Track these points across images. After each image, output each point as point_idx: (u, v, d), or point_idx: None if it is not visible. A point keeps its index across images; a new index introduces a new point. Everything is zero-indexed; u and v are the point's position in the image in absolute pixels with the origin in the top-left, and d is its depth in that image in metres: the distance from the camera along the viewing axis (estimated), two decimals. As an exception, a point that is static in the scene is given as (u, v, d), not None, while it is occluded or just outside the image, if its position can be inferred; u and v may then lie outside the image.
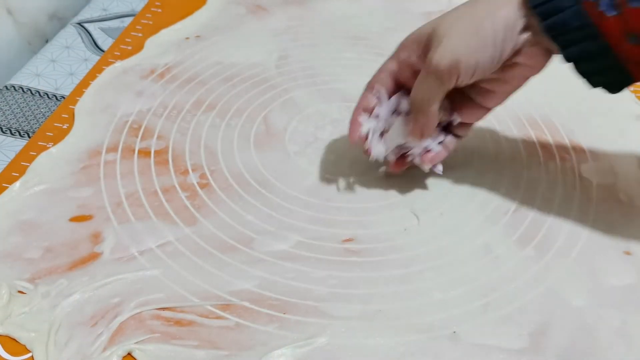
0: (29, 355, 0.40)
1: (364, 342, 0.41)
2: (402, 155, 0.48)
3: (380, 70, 0.46)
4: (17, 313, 0.41)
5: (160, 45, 0.64)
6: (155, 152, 0.53)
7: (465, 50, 0.40)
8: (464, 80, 0.41)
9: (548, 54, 0.41)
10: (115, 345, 0.40)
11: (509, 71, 0.42)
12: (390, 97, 0.47)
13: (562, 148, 0.54)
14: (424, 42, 0.42)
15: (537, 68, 0.42)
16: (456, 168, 0.52)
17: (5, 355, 0.40)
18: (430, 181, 0.51)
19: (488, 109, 0.45)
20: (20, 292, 0.43)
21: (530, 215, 0.48)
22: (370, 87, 0.47)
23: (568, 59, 0.39)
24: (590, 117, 0.57)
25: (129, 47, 0.63)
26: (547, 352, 0.40)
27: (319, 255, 0.46)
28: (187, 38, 0.65)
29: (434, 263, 0.45)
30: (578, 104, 0.58)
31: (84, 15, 0.68)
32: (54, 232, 0.46)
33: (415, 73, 0.44)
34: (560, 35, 0.38)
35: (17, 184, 0.49)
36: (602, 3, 0.35)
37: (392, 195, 0.50)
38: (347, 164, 0.52)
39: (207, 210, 0.48)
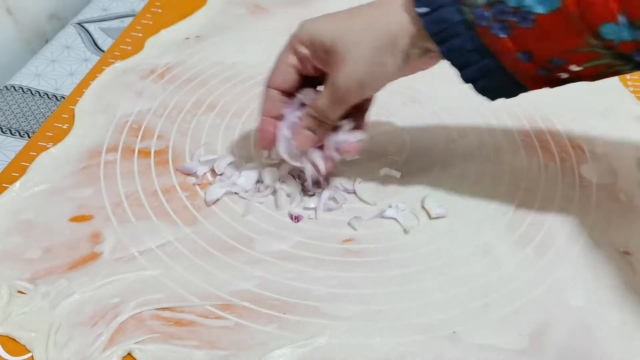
0: (29, 355, 0.40)
1: (364, 342, 0.41)
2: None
3: (281, 62, 0.45)
4: (17, 313, 0.41)
5: (160, 45, 0.64)
6: (155, 152, 0.53)
7: (369, 80, 0.42)
8: (365, 97, 0.44)
9: (436, 59, 0.42)
10: (115, 345, 0.40)
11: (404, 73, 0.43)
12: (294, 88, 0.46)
13: (561, 148, 0.54)
14: (320, 50, 0.42)
15: (426, 68, 0.43)
16: (456, 168, 0.52)
17: (5, 355, 0.40)
18: (431, 181, 0.51)
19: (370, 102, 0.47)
20: (20, 292, 0.43)
21: (530, 215, 0.48)
22: (273, 85, 0.45)
23: (466, 79, 0.41)
24: (590, 118, 0.57)
25: (129, 47, 0.63)
26: (547, 352, 0.40)
27: (319, 255, 0.46)
28: (187, 38, 0.65)
29: (434, 263, 0.45)
30: (578, 104, 0.58)
31: (84, 15, 0.69)
32: (54, 232, 0.46)
33: (317, 72, 0.44)
34: (456, 58, 0.40)
35: (17, 184, 0.49)
36: (494, 27, 0.37)
37: (392, 195, 0.50)
38: (347, 164, 0.52)
39: (207, 211, 0.48)
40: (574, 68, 0.38)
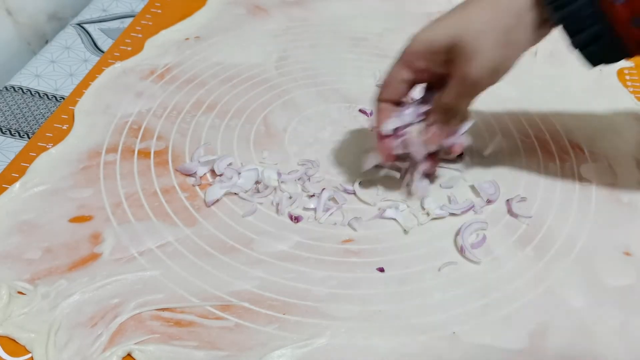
0: (29, 356, 0.40)
1: (364, 342, 0.41)
2: (430, 155, 0.48)
3: (394, 78, 0.45)
4: (17, 314, 0.41)
5: (160, 46, 0.64)
6: (155, 152, 0.53)
7: (501, 61, 0.42)
8: (496, 82, 0.43)
9: (550, 31, 0.43)
10: (115, 346, 0.40)
11: None
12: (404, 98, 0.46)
13: (561, 148, 0.54)
14: (443, 52, 0.42)
15: (542, 39, 0.44)
16: (455, 171, 0.52)
17: (5, 356, 0.40)
18: (430, 181, 0.51)
19: None
20: (20, 292, 0.43)
21: (530, 215, 0.48)
22: (385, 98, 0.46)
23: (576, 45, 0.42)
24: (590, 118, 0.57)
25: (129, 48, 0.63)
26: (547, 352, 0.40)
27: (318, 255, 0.46)
28: (187, 39, 0.65)
29: (434, 263, 0.45)
30: (577, 104, 0.58)
31: (83, 16, 0.69)
32: (53, 233, 0.46)
33: (434, 77, 0.44)
34: (572, 24, 0.41)
35: (17, 184, 0.49)
36: None
37: (392, 195, 0.50)
38: (347, 164, 0.52)
39: (207, 211, 0.48)
40: None
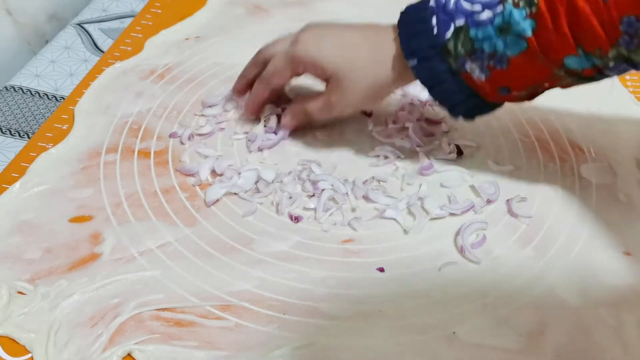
0: (29, 356, 0.40)
1: (364, 342, 0.41)
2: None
3: (277, 73, 0.51)
4: (17, 314, 0.41)
5: (160, 46, 0.64)
6: (155, 152, 0.53)
7: (365, 103, 0.53)
8: None
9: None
10: (115, 346, 0.40)
11: None
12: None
13: (561, 148, 0.54)
14: (319, 71, 0.49)
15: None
16: (455, 170, 0.52)
17: (5, 356, 0.40)
18: (430, 181, 0.51)
19: None
20: (20, 292, 0.43)
21: (530, 215, 0.48)
22: (265, 83, 0.52)
23: (455, 115, 0.47)
24: (590, 118, 0.57)
25: (129, 48, 0.63)
26: (546, 352, 0.40)
27: (318, 255, 0.46)
28: (187, 39, 0.65)
29: (434, 263, 0.45)
30: (577, 104, 0.58)
31: (83, 16, 0.69)
32: (53, 233, 0.46)
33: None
34: (446, 100, 0.46)
35: (17, 184, 0.49)
36: (475, 71, 0.43)
37: (392, 195, 0.50)
38: (347, 164, 0.52)
39: (207, 211, 0.48)
40: (547, 86, 0.44)
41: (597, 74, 0.42)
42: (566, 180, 0.51)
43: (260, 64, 0.53)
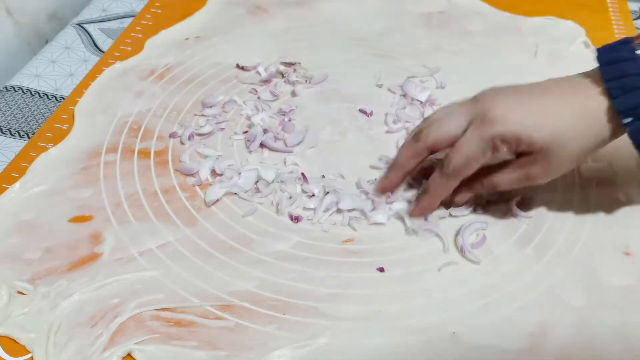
0: (29, 356, 0.40)
1: (364, 342, 0.41)
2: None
3: (473, 159, 0.43)
4: (17, 314, 0.41)
5: (160, 46, 0.64)
6: (155, 152, 0.53)
7: (558, 174, 0.44)
8: None
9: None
10: (115, 346, 0.40)
11: None
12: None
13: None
14: (527, 146, 0.42)
15: None
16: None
17: (5, 356, 0.40)
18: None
19: None
20: (20, 292, 0.43)
21: (530, 216, 0.48)
22: (456, 174, 0.45)
23: None
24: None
25: (129, 48, 0.63)
26: (547, 352, 0.40)
27: (318, 255, 0.46)
28: (187, 39, 0.65)
29: (434, 263, 0.45)
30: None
31: (83, 16, 0.69)
32: (53, 233, 0.46)
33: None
34: None
35: (17, 184, 0.49)
36: None
37: (392, 195, 0.50)
38: (347, 164, 0.52)
39: (207, 211, 0.48)
40: None
41: None
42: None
43: (423, 152, 0.46)
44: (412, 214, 0.47)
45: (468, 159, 0.43)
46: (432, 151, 0.45)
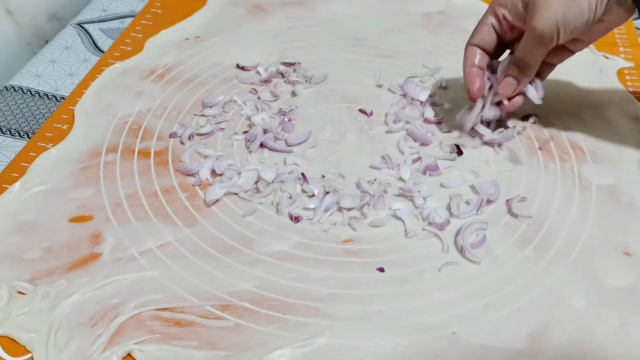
0: (29, 355, 0.40)
1: (364, 342, 0.41)
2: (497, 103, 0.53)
3: (482, 24, 0.50)
4: (17, 314, 0.41)
5: (160, 46, 0.64)
6: (155, 152, 0.53)
7: (565, 17, 0.45)
8: (563, 41, 0.47)
9: (630, 12, 0.46)
10: (115, 346, 0.40)
11: (596, 26, 0.47)
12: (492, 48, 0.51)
13: (561, 148, 0.54)
14: (521, 5, 0.47)
15: (620, 23, 0.47)
16: (455, 168, 0.52)
17: (5, 356, 0.40)
18: (430, 181, 0.51)
19: (573, 52, 0.51)
20: (20, 292, 0.43)
21: (530, 216, 0.48)
22: (474, 42, 0.51)
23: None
24: (590, 118, 0.57)
25: (129, 48, 0.63)
26: (547, 352, 0.40)
27: (318, 255, 0.46)
28: (187, 39, 0.65)
29: (434, 263, 0.45)
30: (577, 104, 0.58)
31: (83, 16, 0.69)
32: (53, 233, 0.46)
33: (512, 28, 0.50)
34: None
35: (17, 184, 0.49)
36: None
37: (393, 197, 0.50)
38: (347, 164, 0.52)
39: (207, 211, 0.48)
40: None
41: None
42: (566, 180, 0.51)
43: (473, 50, 0.52)
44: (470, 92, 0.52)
45: (478, 25, 0.51)
46: (481, 47, 0.51)
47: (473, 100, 0.52)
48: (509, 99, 0.52)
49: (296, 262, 0.45)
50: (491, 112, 0.52)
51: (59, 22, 0.72)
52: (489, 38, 0.51)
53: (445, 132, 0.55)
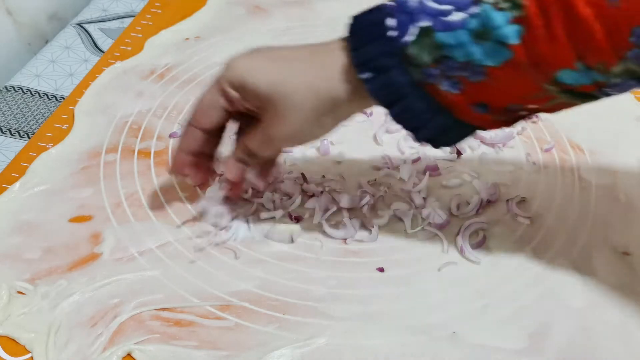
0: (29, 355, 0.40)
1: (364, 342, 0.41)
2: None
3: (207, 105, 0.41)
4: (17, 314, 0.41)
5: (160, 46, 0.64)
6: (155, 152, 0.53)
7: (307, 136, 0.41)
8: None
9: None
10: (114, 346, 0.40)
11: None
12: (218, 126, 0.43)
13: (561, 148, 0.54)
14: (252, 96, 0.39)
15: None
16: (455, 170, 0.52)
17: (5, 355, 0.40)
18: (430, 182, 0.51)
19: None
20: (20, 292, 0.43)
21: (530, 216, 0.48)
22: (197, 125, 0.42)
23: (421, 139, 0.39)
24: (590, 118, 0.57)
25: (129, 48, 0.63)
26: (547, 352, 0.40)
27: (318, 255, 0.46)
28: (187, 39, 0.65)
29: (434, 263, 0.45)
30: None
31: (83, 15, 0.69)
32: (53, 233, 0.46)
33: (247, 110, 0.41)
34: (408, 120, 0.38)
35: (17, 184, 0.49)
36: (444, 84, 0.35)
37: (392, 198, 0.50)
38: (346, 164, 0.52)
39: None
40: (532, 106, 0.36)
41: (597, 91, 0.35)
42: (566, 180, 0.51)
43: (195, 133, 0.43)
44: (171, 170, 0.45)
45: (202, 105, 0.41)
46: (199, 127, 0.42)
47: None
48: (234, 183, 0.45)
49: (296, 262, 0.45)
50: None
51: (59, 22, 0.72)
52: (218, 120, 0.42)
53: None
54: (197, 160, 0.44)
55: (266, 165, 0.45)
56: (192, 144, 0.43)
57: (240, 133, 0.44)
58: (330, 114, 0.39)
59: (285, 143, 0.42)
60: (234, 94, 0.40)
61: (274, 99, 0.38)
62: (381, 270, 0.45)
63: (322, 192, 0.49)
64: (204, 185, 0.47)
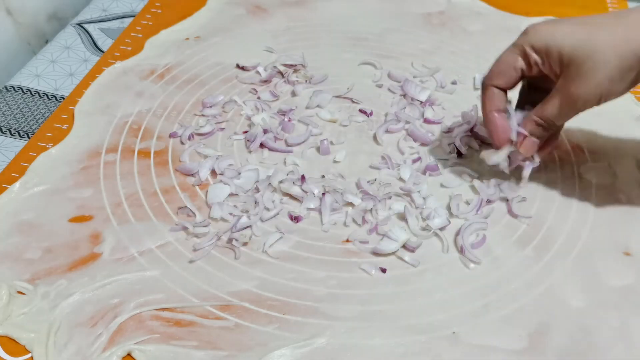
0: (29, 355, 0.40)
1: (364, 342, 0.41)
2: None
3: (508, 65, 0.44)
4: (17, 314, 0.41)
5: (160, 46, 0.64)
6: (155, 152, 0.53)
7: (609, 94, 0.42)
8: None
9: None
10: (114, 346, 0.40)
11: None
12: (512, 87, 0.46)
13: (561, 148, 0.54)
14: (555, 59, 0.42)
15: None
16: (455, 169, 0.52)
17: (5, 355, 0.40)
18: (430, 181, 0.51)
19: None
20: (20, 292, 0.43)
21: (530, 216, 0.48)
22: (495, 83, 0.45)
23: None
24: (590, 118, 0.57)
25: (129, 48, 0.63)
26: (547, 352, 0.40)
27: (318, 255, 0.46)
28: (187, 39, 0.65)
29: (434, 263, 0.45)
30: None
31: (83, 15, 0.69)
32: (53, 233, 0.46)
33: (541, 73, 0.44)
34: None
35: (17, 184, 0.49)
36: None
37: (397, 194, 0.50)
38: (346, 164, 0.52)
39: (207, 211, 0.48)
40: None
41: None
42: (566, 180, 0.51)
43: (490, 90, 0.46)
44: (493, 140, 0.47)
45: (500, 65, 0.44)
46: (496, 85, 0.45)
47: (498, 148, 0.47)
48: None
49: (296, 262, 0.45)
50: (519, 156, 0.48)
51: (59, 22, 0.72)
52: (514, 81, 0.45)
53: (445, 132, 0.55)
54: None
55: (550, 139, 0.47)
56: (497, 103, 0.46)
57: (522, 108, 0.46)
58: (633, 71, 0.40)
59: (588, 103, 0.42)
60: (535, 56, 0.43)
61: (579, 58, 0.40)
62: (383, 270, 0.45)
63: (322, 193, 0.49)
64: (505, 140, 0.47)
